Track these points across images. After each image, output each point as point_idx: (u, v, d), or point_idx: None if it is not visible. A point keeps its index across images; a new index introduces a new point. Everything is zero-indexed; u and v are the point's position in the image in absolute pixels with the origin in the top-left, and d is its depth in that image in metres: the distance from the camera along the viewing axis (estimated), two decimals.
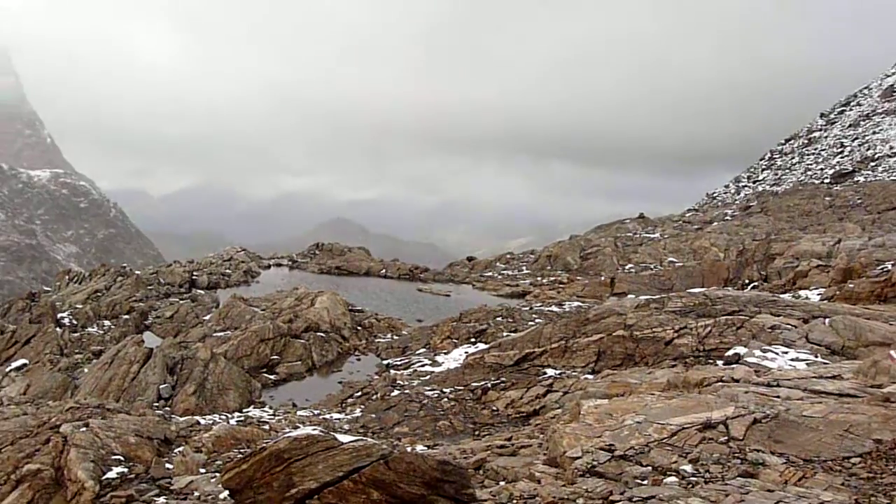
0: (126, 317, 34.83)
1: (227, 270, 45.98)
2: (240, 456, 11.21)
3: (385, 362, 27.27)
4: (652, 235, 52.61)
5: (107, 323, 34.21)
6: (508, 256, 56.80)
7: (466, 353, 24.54)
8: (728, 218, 57.91)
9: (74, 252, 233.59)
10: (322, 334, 29.46)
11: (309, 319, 30.05)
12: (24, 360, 28.57)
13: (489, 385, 19.98)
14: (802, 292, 26.56)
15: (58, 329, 31.60)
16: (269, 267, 50.94)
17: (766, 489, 8.35)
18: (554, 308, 31.86)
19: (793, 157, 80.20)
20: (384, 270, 49.25)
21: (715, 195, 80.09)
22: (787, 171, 76.87)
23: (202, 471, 13.63)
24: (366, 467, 8.73)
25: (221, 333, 29.25)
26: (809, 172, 72.20)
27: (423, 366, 24.82)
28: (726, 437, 9.99)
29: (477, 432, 17.31)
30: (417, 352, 27.68)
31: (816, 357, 16.27)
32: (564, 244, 52.77)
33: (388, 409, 19.36)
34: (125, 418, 15.55)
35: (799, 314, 19.40)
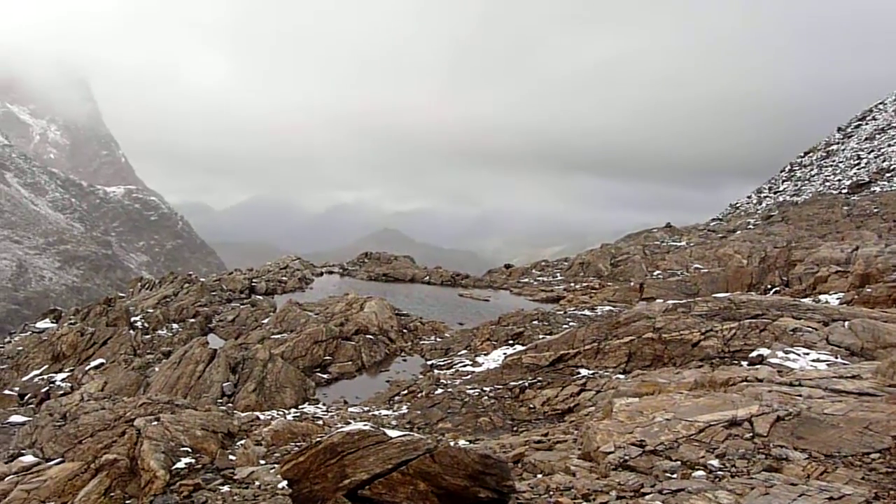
0: (192, 320, 35.20)
1: (283, 277, 46.29)
2: (296, 449, 11.27)
3: (429, 362, 27.24)
4: (678, 243, 52.04)
5: (175, 326, 34.61)
6: (543, 264, 56.51)
7: (505, 354, 24.42)
8: (751, 227, 57.06)
9: (145, 261, 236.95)
10: (371, 337, 29.52)
11: (359, 323, 30.13)
12: (101, 360, 29.04)
13: (526, 384, 19.87)
14: (822, 297, 26.10)
15: (131, 332, 32.02)
16: (321, 274, 51.18)
17: (789, 483, 8.21)
18: (587, 312, 31.62)
19: (812, 169, 78.87)
20: (427, 277, 49.27)
21: (738, 205, 79.01)
22: (807, 182, 75.59)
23: (262, 462, 13.72)
24: (413, 460, 8.74)
25: (278, 336, 29.42)
26: (828, 183, 70.93)
27: (464, 366, 24.74)
28: (751, 434, 9.84)
29: (515, 428, 17.21)
30: (459, 353, 27.62)
31: (836, 358, 15.95)
32: (596, 252, 52.38)
33: (433, 407, 19.32)
34: (192, 413, 15.69)
35: (819, 317, 19.05)
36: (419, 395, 21.11)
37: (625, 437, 10.41)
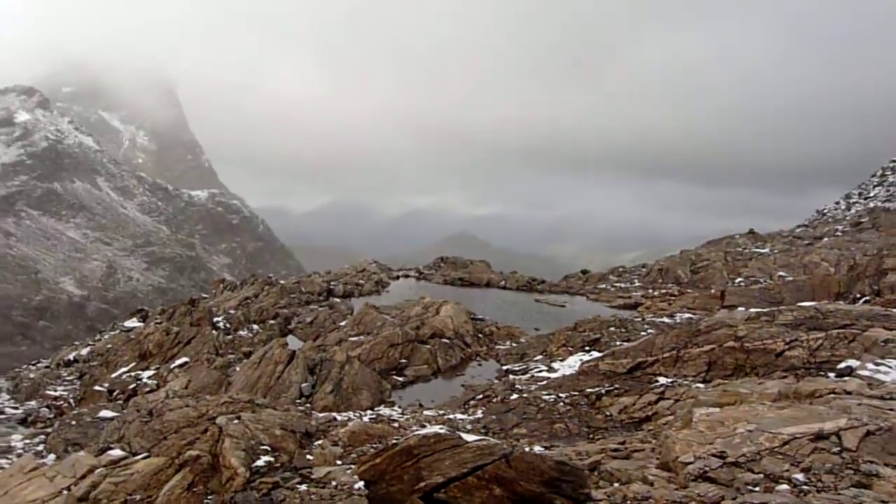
0: (272, 322, 35.90)
1: (361, 281, 46.80)
2: (373, 450, 11.39)
3: (504, 367, 27.13)
4: (762, 250, 50.59)
5: (255, 327, 35.36)
6: (621, 269, 55.77)
7: (581, 360, 24.14)
8: (839, 233, 55.16)
9: (227, 263, 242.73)
10: (446, 340, 29.58)
11: (434, 327, 30.22)
12: (185, 359, 29.85)
13: (603, 391, 19.61)
14: None
15: (214, 332, 32.81)
16: (397, 278, 51.55)
17: (879, 500, 7.91)
18: (665, 319, 31.04)
19: None
20: (503, 282, 49.11)
21: (825, 211, 76.28)
22: None
23: (339, 462, 13.90)
24: (489, 465, 8.73)
25: (355, 338, 29.72)
26: None
27: (540, 371, 24.55)
28: (839, 448, 9.51)
29: (591, 435, 17.00)
30: (535, 358, 27.43)
31: None
32: (675, 258, 51.41)
33: (508, 412, 19.24)
34: (272, 413, 16.01)
35: None
36: (494, 400, 21.04)
37: (705, 448, 10.19)
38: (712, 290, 38.22)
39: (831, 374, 16.03)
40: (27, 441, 20.92)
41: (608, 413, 18.44)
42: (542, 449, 14.46)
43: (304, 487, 12.34)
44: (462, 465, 8.83)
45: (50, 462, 15.90)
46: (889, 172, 78.78)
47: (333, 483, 12.34)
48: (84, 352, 40.18)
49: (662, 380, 19.52)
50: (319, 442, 15.18)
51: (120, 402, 26.41)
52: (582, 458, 12.61)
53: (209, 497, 12.80)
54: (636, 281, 48.91)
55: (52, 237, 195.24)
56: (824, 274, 38.06)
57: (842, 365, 16.26)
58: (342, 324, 33.51)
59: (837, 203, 78.02)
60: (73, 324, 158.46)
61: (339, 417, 18.42)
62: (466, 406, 21.55)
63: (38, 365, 43.18)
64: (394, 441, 9.75)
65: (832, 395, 11.79)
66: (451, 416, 19.74)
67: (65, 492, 13.56)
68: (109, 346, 37.90)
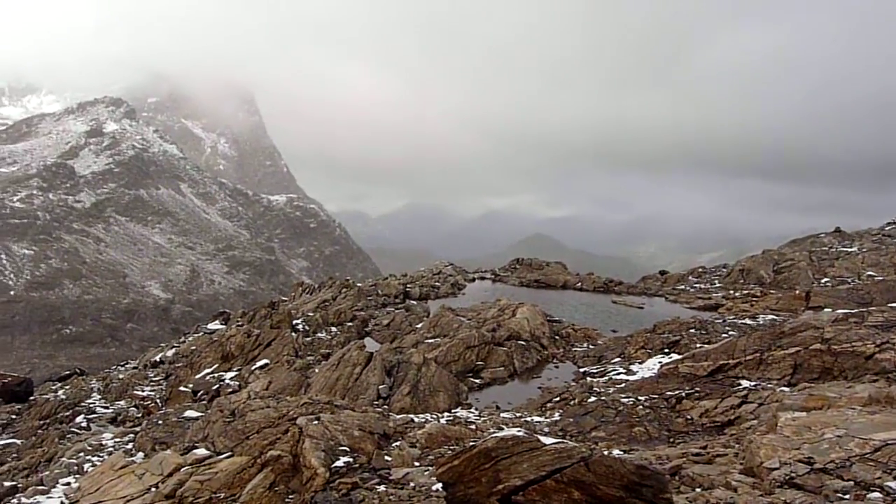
0: (350, 324, 36.31)
1: (437, 283, 46.97)
2: (450, 452, 11.41)
3: (582, 370, 26.89)
4: (849, 249, 48.80)
5: (333, 329, 35.81)
6: (700, 270, 54.56)
7: (660, 362, 23.75)
8: None
9: (305, 266, 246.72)
10: (523, 343, 29.44)
11: (511, 329, 30.12)
12: (266, 360, 30.42)
13: (683, 394, 19.24)
14: None
15: (293, 334, 33.34)
16: (473, 280, 51.56)
17: None
18: (747, 321, 30.27)
19: None
20: (580, 283, 48.65)
21: None
22: None
23: (416, 464, 13.97)
24: (567, 468, 8.66)
25: (432, 340, 29.84)
26: None
27: (618, 374, 24.23)
28: None
29: (672, 439, 16.70)
30: (612, 360, 27.08)
31: None
32: (757, 258, 50.00)
33: (586, 415, 19.05)
34: (350, 414, 16.20)
35: None
36: (572, 403, 20.87)
37: (791, 453, 9.91)
38: (797, 291, 37.05)
39: None
40: (117, 439, 21.63)
41: (689, 416, 18.08)
42: (621, 453, 14.27)
43: (382, 488, 12.45)
44: (540, 468, 8.77)
45: (139, 460, 16.42)
46: None
47: (412, 484, 12.42)
48: (169, 353, 41.38)
49: (745, 383, 19.05)
50: (397, 443, 15.29)
51: (204, 402, 27.04)
52: (662, 462, 12.40)
53: (290, 496, 13.02)
54: (716, 282, 47.79)
55: (138, 242, 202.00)
56: None
57: None
58: (419, 326, 33.68)
59: None
60: (158, 326, 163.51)
61: (416, 419, 18.51)
62: (543, 408, 21.43)
63: (127, 366, 44.72)
64: (471, 443, 9.75)
65: None
66: (528, 419, 19.66)
67: (153, 489, 14.01)
68: (193, 347, 38.90)
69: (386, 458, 14.27)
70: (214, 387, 29.30)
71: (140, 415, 28.76)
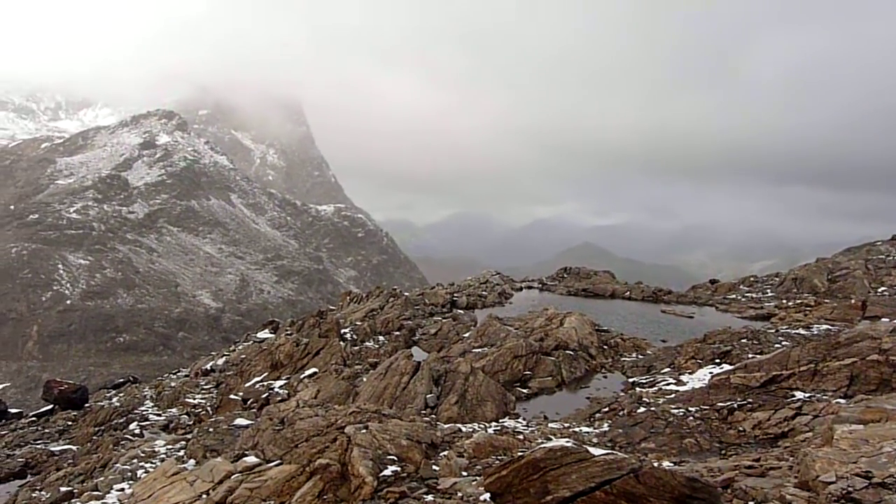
0: (397, 333, 36.43)
1: (483, 292, 46.91)
2: (498, 462, 11.37)
3: (630, 380, 26.59)
4: None
5: (381, 338, 35.97)
6: (752, 279, 53.64)
7: (711, 373, 23.38)
8: None
9: (353, 276, 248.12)
10: (570, 352, 29.22)
11: (558, 338, 29.93)
12: (314, 369, 30.67)
13: (735, 405, 18.91)
14: None
15: (341, 343, 33.54)
16: (520, 289, 51.38)
17: None
18: (801, 331, 29.65)
19: None
20: (628, 293, 48.16)
21: None
22: None
23: (464, 474, 13.94)
24: (617, 480, 8.56)
25: (479, 349, 29.79)
26: None
27: (667, 384, 23.91)
28: None
29: (723, 451, 16.42)
30: (662, 371, 26.74)
31: None
32: (811, 267, 48.99)
33: (635, 425, 18.84)
34: (398, 423, 16.23)
35: None
36: (621, 414, 20.65)
37: (848, 467, 9.66)
38: (852, 301, 36.19)
39: None
40: (169, 446, 21.96)
41: (741, 428, 17.77)
42: (672, 464, 14.08)
43: (430, 498, 12.44)
44: (589, 479, 8.70)
45: (190, 467, 16.64)
46: None
47: (459, 494, 12.39)
48: (220, 362, 41.98)
49: (799, 394, 18.66)
50: (445, 453, 15.27)
51: (253, 410, 27.36)
52: (714, 474, 12.20)
53: None
54: (769, 291, 46.94)
55: (190, 252, 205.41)
56: None
57: None
58: (466, 335, 33.66)
59: None
60: (209, 334, 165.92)
61: (463, 429, 18.48)
62: (592, 419, 21.24)
63: (179, 374, 45.42)
64: (520, 453, 9.71)
65: None
66: (577, 429, 19.50)
67: (204, 496, 14.20)
68: (243, 356, 39.42)
69: (434, 467, 14.27)
70: (264, 395, 29.62)
71: (191, 422, 29.21)
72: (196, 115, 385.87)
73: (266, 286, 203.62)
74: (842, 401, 17.24)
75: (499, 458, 14.65)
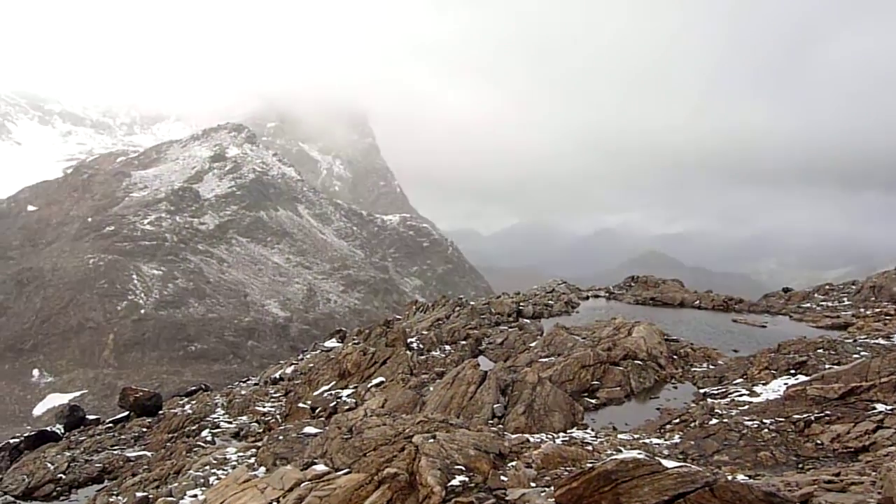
0: (463, 342, 36.42)
1: (550, 301, 46.62)
2: (567, 474, 11.24)
3: (702, 391, 26.05)
4: None
5: (447, 347, 36.01)
6: (827, 287, 52.10)
7: (786, 384, 22.75)
8: None
9: (419, 285, 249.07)
10: (639, 362, 28.78)
11: (626, 348, 29.51)
12: (381, 378, 30.86)
13: (812, 418, 18.33)
14: None
15: (408, 352, 33.70)
16: (587, 298, 50.88)
17: None
18: (881, 341, 28.65)
19: None
20: (698, 302, 47.26)
21: None
22: None
23: (533, 485, 13.82)
24: (691, 493, 8.38)
25: (546, 359, 29.59)
26: None
27: (740, 395, 23.34)
28: None
29: (800, 465, 15.92)
30: (734, 381, 26.11)
31: None
32: (889, 274, 47.33)
33: (707, 437, 18.43)
34: (465, 433, 16.18)
35: None
36: (692, 425, 20.24)
37: None
38: None
39: None
40: (240, 454, 22.34)
41: (818, 441, 17.22)
42: (746, 478, 13.71)
43: None
44: (662, 492, 8.53)
45: (261, 474, 16.88)
46: None
47: None
48: (288, 370, 42.58)
49: (881, 407, 18.00)
50: (513, 463, 15.17)
51: (322, 418, 27.63)
52: (791, 489, 11.84)
53: None
54: (845, 299, 45.52)
55: (258, 262, 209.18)
56: None
57: None
58: (532, 344, 33.47)
59: None
60: (277, 343, 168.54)
61: (531, 439, 18.33)
62: (662, 430, 20.87)
63: (248, 382, 46.25)
64: (589, 465, 9.58)
65: None
66: (647, 441, 19.17)
67: (275, 502, 14.38)
68: (311, 365, 39.89)
69: (502, 477, 14.18)
70: (332, 404, 29.91)
71: (261, 430, 29.66)
72: (264, 127, 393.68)
73: (333, 295, 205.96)
74: None
75: (567, 469, 14.49)
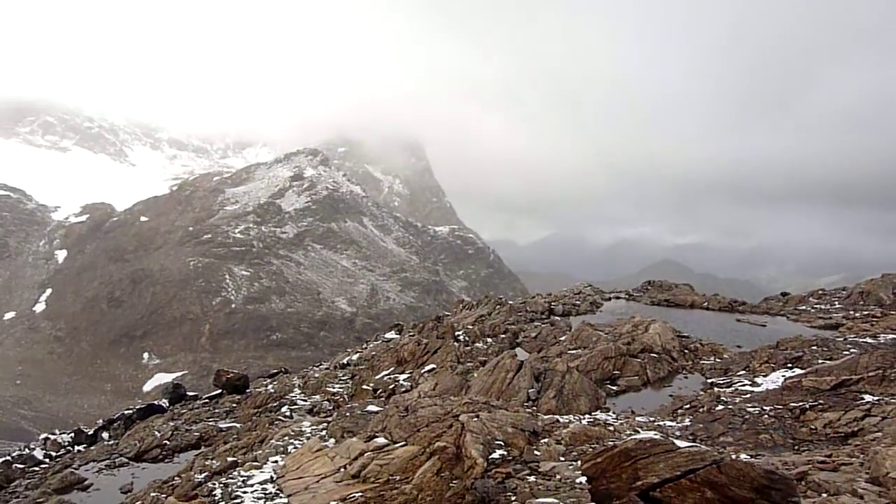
0: (503, 336, 36.27)
1: (577, 302, 46.20)
2: (592, 450, 11.17)
3: (709, 380, 25.58)
4: None
5: (489, 340, 35.86)
6: (821, 292, 50.66)
7: (784, 376, 22.24)
8: None
9: (464, 286, 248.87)
10: (655, 355, 28.41)
11: (644, 342, 29.17)
12: (433, 365, 30.91)
13: (807, 406, 17.90)
14: None
15: (455, 343, 33.71)
16: (609, 299, 50.30)
17: None
18: (868, 339, 27.83)
19: None
20: (706, 303, 46.38)
21: None
22: None
23: (562, 459, 13.75)
24: (700, 469, 8.27)
25: (574, 351, 29.37)
26: None
27: (743, 385, 22.88)
28: None
29: (797, 447, 15.56)
30: (738, 373, 25.60)
31: None
32: (877, 281, 45.88)
33: (714, 421, 18.12)
34: (504, 413, 16.17)
35: None
36: (701, 410, 19.91)
37: None
38: None
39: None
40: (313, 427, 22.53)
41: (813, 427, 16.82)
42: (749, 457, 13.46)
43: (532, 479, 12.34)
44: (675, 468, 8.44)
45: (330, 445, 17.05)
46: None
47: (558, 476, 12.23)
48: (354, 357, 42.82)
49: (868, 397, 17.53)
50: (545, 440, 15.12)
51: (382, 398, 27.74)
52: (789, 468, 11.60)
53: (454, 482, 13.13)
54: (836, 303, 44.25)
55: (330, 266, 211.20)
56: None
57: None
58: (562, 339, 33.24)
59: None
60: (345, 334, 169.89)
61: (561, 420, 18.25)
62: (675, 414, 20.57)
63: (320, 367, 46.62)
64: (611, 443, 9.52)
65: None
66: (661, 423, 18.92)
67: (342, 469, 14.54)
68: (373, 353, 40.08)
69: (535, 452, 14.15)
70: (391, 386, 30.04)
71: (331, 407, 29.90)
72: (336, 152, 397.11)
73: (392, 294, 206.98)
74: None
75: (592, 446, 14.37)
